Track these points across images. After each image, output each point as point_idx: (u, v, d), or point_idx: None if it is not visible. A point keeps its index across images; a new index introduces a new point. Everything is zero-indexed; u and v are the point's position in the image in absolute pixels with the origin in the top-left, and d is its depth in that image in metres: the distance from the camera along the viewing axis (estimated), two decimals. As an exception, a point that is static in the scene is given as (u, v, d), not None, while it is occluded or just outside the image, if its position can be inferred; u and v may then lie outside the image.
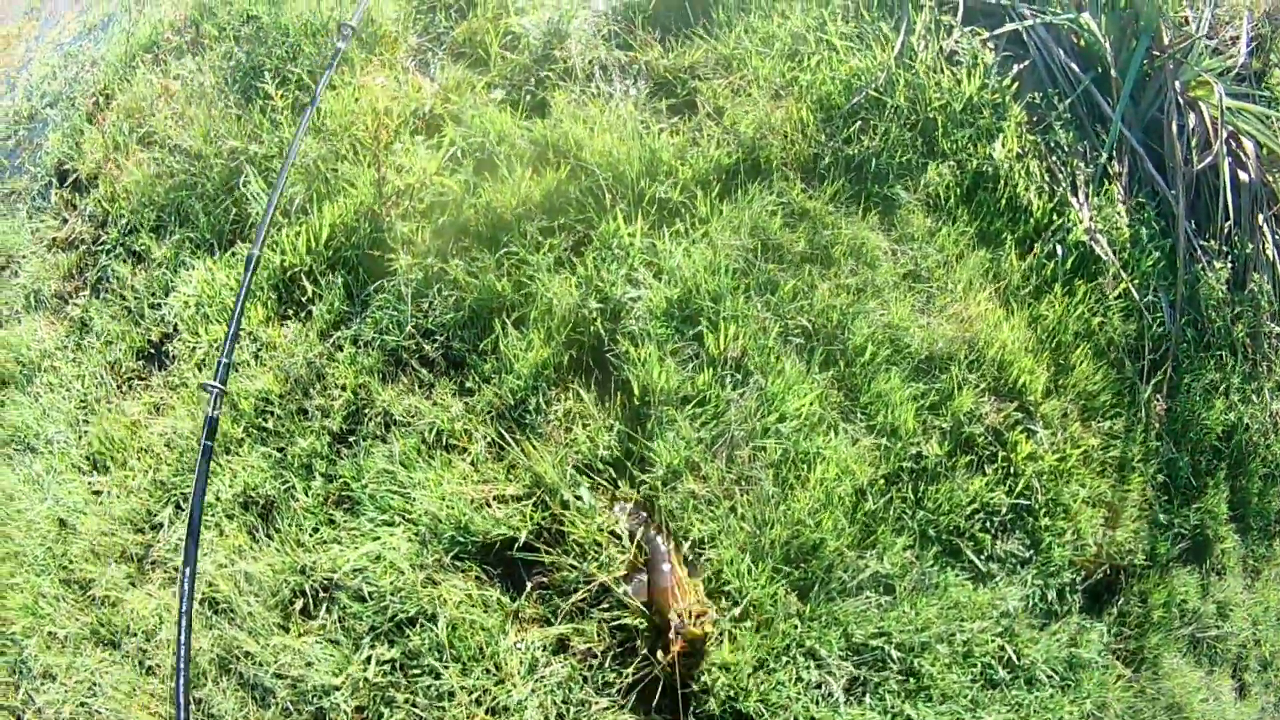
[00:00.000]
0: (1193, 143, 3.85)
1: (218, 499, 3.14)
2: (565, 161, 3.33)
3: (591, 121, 3.43)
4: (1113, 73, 3.99)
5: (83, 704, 3.44)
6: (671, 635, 2.71)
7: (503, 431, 2.92)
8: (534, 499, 2.89)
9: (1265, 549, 4.27)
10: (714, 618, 2.74)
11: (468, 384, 3.03)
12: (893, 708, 2.95)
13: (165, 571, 3.28)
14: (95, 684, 3.41)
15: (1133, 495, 3.64)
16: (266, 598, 3.04)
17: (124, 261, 3.74)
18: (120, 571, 3.36)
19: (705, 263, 3.15)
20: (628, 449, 2.95)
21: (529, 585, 2.90)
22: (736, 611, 2.85)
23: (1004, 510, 3.33)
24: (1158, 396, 3.80)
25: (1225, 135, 3.79)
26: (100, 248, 3.85)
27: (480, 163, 3.28)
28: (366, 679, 2.92)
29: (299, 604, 3.03)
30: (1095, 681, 3.34)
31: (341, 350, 3.11)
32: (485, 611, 2.86)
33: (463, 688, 2.84)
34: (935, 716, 3.01)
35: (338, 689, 2.95)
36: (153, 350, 3.54)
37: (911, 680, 3.00)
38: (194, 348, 3.34)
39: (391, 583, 2.87)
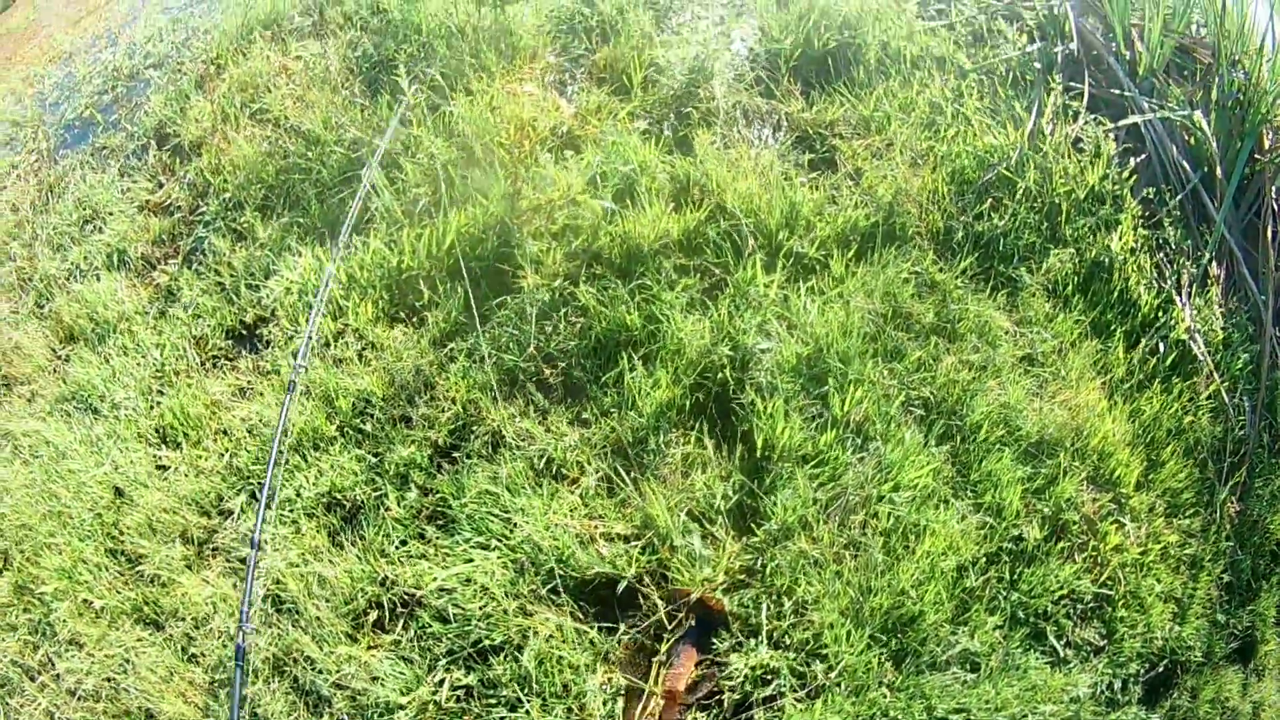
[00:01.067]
0: (1285, 249, 4.06)
1: (299, 495, 3.10)
2: (706, 201, 3.35)
3: (735, 165, 3.47)
4: (1218, 172, 4.16)
5: (109, 679, 3.35)
6: None
7: (618, 468, 2.89)
8: (643, 541, 2.85)
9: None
10: None
11: (585, 415, 3.04)
12: None
13: (228, 561, 3.20)
14: (129, 661, 3.30)
15: (1199, 594, 3.74)
16: (338, 604, 2.99)
17: (224, 236, 3.74)
18: (178, 552, 3.30)
19: (838, 322, 3.18)
20: (743, 501, 2.92)
21: (623, 627, 2.84)
22: (833, 675, 2.81)
23: (1088, 598, 3.41)
24: (1232, 499, 3.90)
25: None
26: (198, 218, 3.85)
27: (620, 190, 3.29)
28: (436, 702, 2.88)
29: (373, 616, 2.99)
30: None
31: (454, 362, 3.08)
32: (576, 649, 2.81)
33: None
34: None
35: (403, 708, 2.90)
36: (244, 331, 3.53)
37: None
38: (290, 336, 3.30)
39: (480, 607, 2.85)
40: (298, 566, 3.08)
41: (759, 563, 2.94)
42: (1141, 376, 3.77)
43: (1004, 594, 3.22)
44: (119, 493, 3.54)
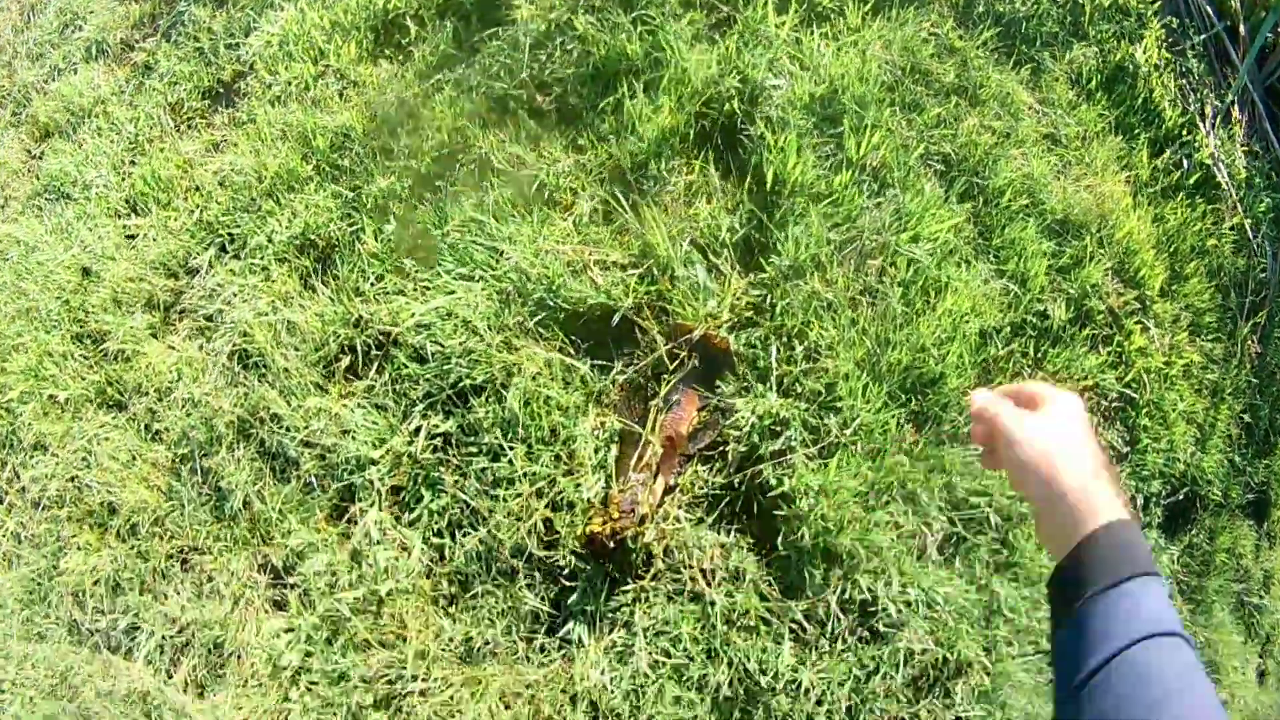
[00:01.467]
0: (1309, 119, 4.19)
1: (270, 240, 2.84)
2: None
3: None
4: (1241, 30, 4.09)
5: (73, 478, 3.09)
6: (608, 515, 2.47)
7: (616, 194, 2.60)
8: (640, 270, 2.55)
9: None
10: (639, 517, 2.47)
11: (580, 141, 2.75)
12: (980, 577, 2.71)
13: (193, 321, 2.97)
14: (90, 452, 3.05)
15: (1220, 425, 3.65)
16: (308, 352, 2.72)
17: (202, 5, 3.52)
18: (143, 321, 3.07)
19: (854, 68, 2.86)
20: (749, 235, 2.62)
21: (618, 365, 2.54)
22: (848, 432, 2.49)
23: (1112, 396, 3.23)
24: (1253, 338, 3.88)
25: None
26: (178, -6, 3.60)
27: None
28: (411, 454, 2.59)
29: (345, 362, 2.72)
30: None
31: (441, 92, 2.81)
32: (565, 388, 2.52)
33: (525, 475, 2.48)
34: (1019, 599, 2.74)
35: (375, 463, 2.63)
36: (221, 90, 3.30)
37: (1004, 552, 2.77)
38: (269, 84, 3.06)
39: (461, 343, 2.55)
40: (265, 315, 2.81)
41: (768, 300, 2.61)
42: (1166, 184, 3.66)
43: (1029, 370, 3.01)
44: (86, 273, 3.30)
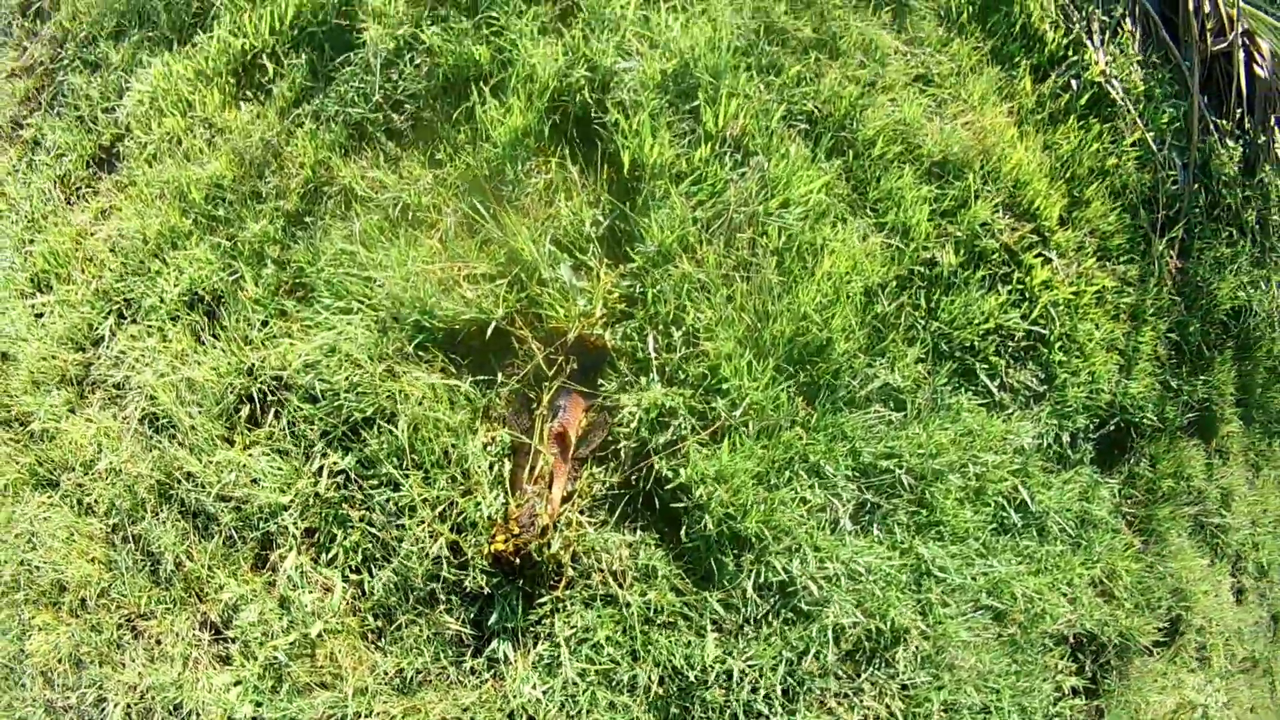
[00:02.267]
0: (1208, 25, 4.05)
1: (162, 301, 2.89)
2: (549, -77, 3.04)
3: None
4: None
5: (22, 561, 3.20)
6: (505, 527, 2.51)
7: (477, 204, 2.60)
8: (509, 278, 2.57)
9: (1266, 446, 4.39)
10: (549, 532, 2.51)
11: (438, 155, 2.74)
12: (902, 542, 2.73)
13: (105, 391, 3.05)
14: (34, 534, 3.16)
15: (1145, 348, 3.64)
16: (210, 407, 2.78)
17: (80, 72, 3.60)
18: (60, 398, 3.13)
19: (705, 38, 2.82)
20: (614, 227, 2.62)
21: (500, 376, 2.56)
22: (737, 414, 2.49)
23: (1019, 336, 3.19)
24: (1170, 253, 3.84)
25: (1241, 30, 4.03)
26: (58, 65, 3.68)
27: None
28: (318, 494, 2.65)
29: (245, 411, 2.78)
30: (1105, 544, 3.24)
31: (301, 127, 2.83)
32: (452, 408, 2.57)
33: (425, 500, 2.54)
34: (947, 558, 2.76)
35: (286, 508, 2.69)
36: (104, 156, 3.36)
37: (923, 512, 2.79)
38: (145, 144, 3.11)
39: (347, 378, 2.60)
40: (166, 376, 2.89)
41: (639, 290, 2.60)
42: (1053, 109, 3.60)
43: (922, 323, 2.97)
44: (5, 357, 3.42)
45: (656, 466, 2.52)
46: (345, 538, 2.64)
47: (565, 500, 2.56)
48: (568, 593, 2.53)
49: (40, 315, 3.25)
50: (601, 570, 2.55)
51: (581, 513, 2.57)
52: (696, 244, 2.61)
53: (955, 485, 2.85)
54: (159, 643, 2.98)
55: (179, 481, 2.86)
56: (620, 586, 2.53)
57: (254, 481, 2.71)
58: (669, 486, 2.53)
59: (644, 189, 2.62)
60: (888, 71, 3.20)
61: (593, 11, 2.84)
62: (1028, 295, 3.22)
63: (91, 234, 3.16)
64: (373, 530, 2.59)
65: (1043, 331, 3.21)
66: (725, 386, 2.56)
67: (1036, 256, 3.27)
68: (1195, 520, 3.78)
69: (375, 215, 2.68)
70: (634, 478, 2.58)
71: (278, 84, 2.97)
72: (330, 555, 2.67)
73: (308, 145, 2.80)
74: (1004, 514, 3.01)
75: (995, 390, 3.13)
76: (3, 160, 3.66)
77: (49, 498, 3.19)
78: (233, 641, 2.82)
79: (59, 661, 3.08)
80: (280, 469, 2.68)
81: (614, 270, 2.61)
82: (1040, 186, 3.32)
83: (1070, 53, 3.68)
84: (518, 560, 2.48)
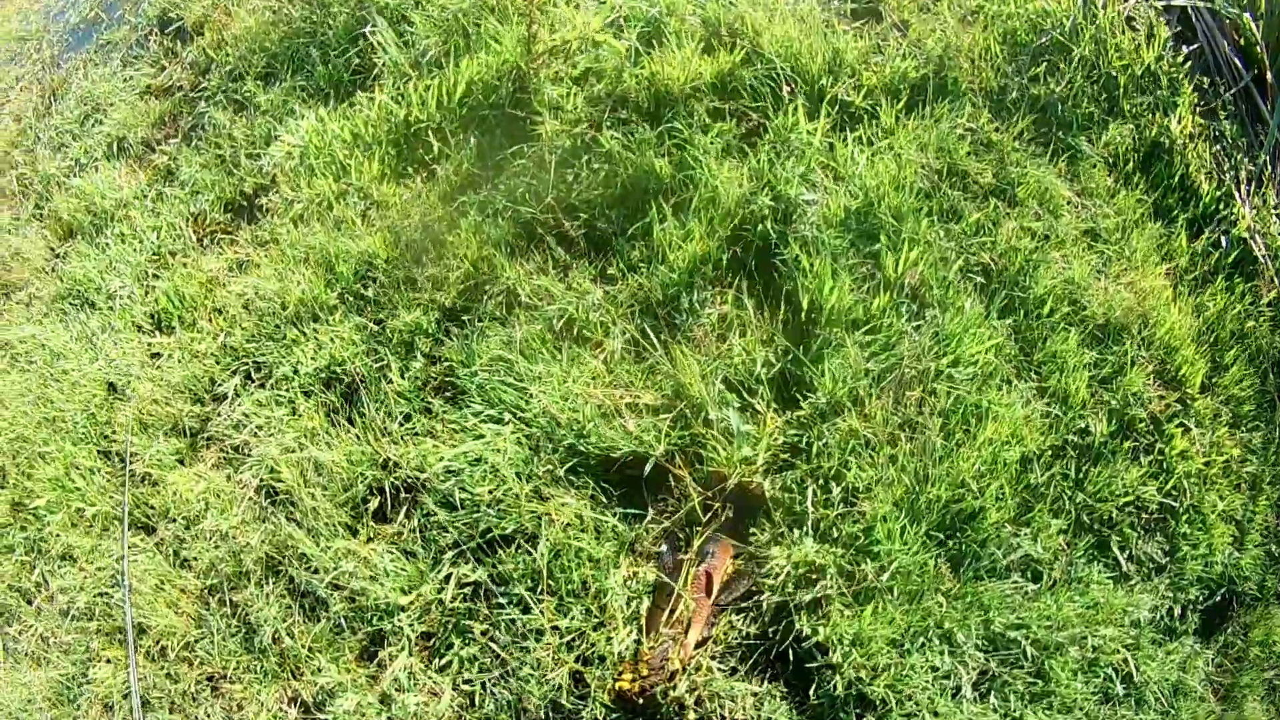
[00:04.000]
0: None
1: (296, 372, 2.86)
2: (740, 45, 3.02)
3: (771, 9, 3.13)
4: (1268, 77, 3.96)
5: (102, 594, 3.17)
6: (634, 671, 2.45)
7: (647, 329, 2.58)
8: (673, 414, 2.53)
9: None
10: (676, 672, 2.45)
11: (610, 270, 2.71)
12: (1014, 711, 2.64)
13: (221, 451, 3.00)
14: (120, 573, 3.14)
15: (1258, 519, 3.49)
16: (336, 492, 2.74)
17: (224, 109, 3.55)
18: (169, 447, 3.08)
19: (889, 175, 2.81)
20: (786, 370, 2.59)
21: (650, 514, 2.54)
22: (884, 577, 2.46)
23: (1152, 508, 3.09)
24: None
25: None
26: (199, 94, 3.67)
27: (646, 34, 2.98)
28: (441, 601, 2.60)
29: (373, 504, 2.72)
30: (1191, 713, 3.14)
31: (465, 217, 2.80)
32: (597, 539, 2.52)
33: (555, 627, 2.48)
34: None
35: (404, 610, 2.63)
36: (244, 203, 3.32)
37: (1039, 683, 2.70)
38: (292, 202, 3.08)
39: (490, 491, 2.54)
40: (293, 452, 2.86)
41: (804, 441, 2.56)
42: (1205, 269, 3.51)
43: (1069, 494, 2.89)
44: (112, 388, 3.36)
45: (798, 624, 2.49)
46: (463, 648, 2.59)
47: (700, 645, 2.52)
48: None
49: (157, 355, 3.22)
50: (724, 718, 2.52)
51: (713, 658, 2.54)
52: (866, 397, 2.59)
53: (1073, 657, 2.78)
54: (240, 706, 2.95)
55: (290, 561, 2.83)
56: (741, 741, 2.50)
57: (373, 578, 2.68)
58: (806, 643, 2.50)
59: (819, 334, 2.60)
60: (1060, 225, 3.14)
61: (779, 135, 2.81)
62: (1166, 466, 3.16)
63: (224, 284, 3.13)
64: (494, 647, 2.56)
65: (1174, 504, 3.17)
66: (877, 549, 2.53)
67: (1177, 426, 3.23)
68: (1269, 684, 3.74)
69: (538, 325, 2.65)
70: (771, 630, 2.56)
71: (443, 165, 2.95)
72: (444, 662, 2.62)
73: (472, 238, 2.77)
74: (1110, 685, 3.00)
75: (1124, 563, 3.10)
76: (131, 180, 3.63)
77: (141, 540, 3.15)
78: None
79: (124, 697, 3.05)
80: (404, 570, 2.64)
81: (781, 416, 2.59)
82: (1189, 353, 3.22)
83: (1221, 206, 3.62)
84: (641, 701, 2.46)
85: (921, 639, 2.59)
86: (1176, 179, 3.62)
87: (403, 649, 2.66)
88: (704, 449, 2.52)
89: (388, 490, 2.68)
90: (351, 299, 2.86)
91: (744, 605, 2.57)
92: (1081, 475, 2.95)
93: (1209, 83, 3.94)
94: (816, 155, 2.81)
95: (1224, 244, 3.62)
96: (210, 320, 3.11)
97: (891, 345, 2.66)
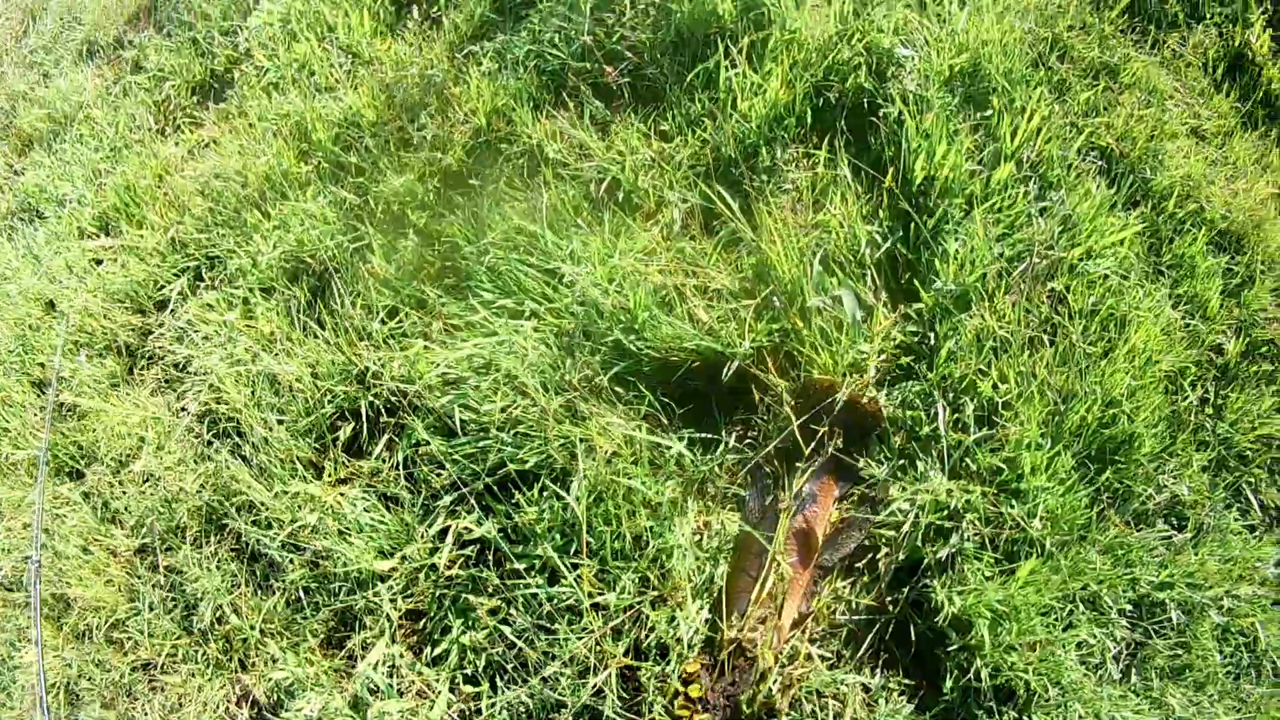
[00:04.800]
0: None
1: (254, 263, 1.70)
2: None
3: None
4: None
5: (25, 556, 1.95)
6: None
7: (721, 192, 1.45)
8: (759, 300, 1.39)
9: None
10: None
11: (664, 126, 1.59)
12: (1155, 690, 1.65)
13: (161, 371, 1.83)
14: (48, 530, 1.93)
15: None
16: (296, 417, 1.61)
17: (202, -12, 2.37)
18: (104, 370, 1.92)
19: (995, 34, 1.72)
20: (894, 252, 1.49)
21: (729, 439, 1.40)
22: (1036, 524, 1.35)
23: (1274, 446, 1.99)
24: None
25: None
26: (177, -18, 2.49)
27: None
28: (434, 568, 1.47)
29: (344, 432, 1.58)
30: None
31: (478, 65, 1.66)
32: (655, 478, 1.37)
33: (596, 605, 1.34)
34: (1190, 706, 1.68)
35: (383, 580, 1.47)
36: (213, 84, 2.20)
37: (1180, 654, 1.69)
38: (265, 71, 1.93)
39: (504, 410, 1.40)
40: (242, 365, 1.70)
41: (927, 343, 1.51)
42: None
43: (1210, 423, 1.87)
44: (51, 306, 2.22)
45: (931, 589, 1.35)
46: (464, 633, 1.45)
47: (796, 625, 1.38)
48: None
49: (99, 262, 2.04)
50: None
51: (812, 641, 1.40)
52: (996, 289, 1.47)
53: (1214, 622, 1.78)
54: (180, 704, 1.77)
55: (237, 510, 1.65)
56: (851, 753, 1.37)
57: (342, 535, 1.50)
58: (938, 618, 1.37)
59: (935, 208, 1.48)
60: (1169, 116, 2.14)
61: (867, -24, 1.72)
62: None
63: (179, 171, 1.97)
64: (507, 632, 1.40)
65: None
66: (1024, 487, 1.41)
67: None
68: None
69: (571, 189, 1.52)
70: (890, 602, 1.41)
71: (450, 14, 1.82)
72: (437, 652, 1.48)
73: (485, 89, 1.65)
74: (1240, 654, 1.93)
75: (1256, 509, 2.01)
76: (97, 81, 2.49)
77: (70, 489, 1.97)
78: None
79: (52, 685, 1.86)
80: (383, 523, 1.49)
81: (893, 311, 1.46)
82: None
83: None
84: (717, 713, 1.31)
85: (1070, 606, 1.48)
86: (1261, 93, 2.59)
87: (381, 633, 1.48)
88: (800, 350, 1.39)
89: (364, 413, 1.55)
90: (328, 168, 1.71)
91: (854, 566, 1.43)
92: (1220, 401, 1.95)
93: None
94: (906, 4, 1.71)
95: None
96: (161, 215, 1.93)
97: (1017, 226, 1.56)
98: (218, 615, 1.79)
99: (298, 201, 1.78)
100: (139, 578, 1.94)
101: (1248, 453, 2.08)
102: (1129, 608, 1.76)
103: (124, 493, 1.95)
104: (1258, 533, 2.15)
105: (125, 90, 2.42)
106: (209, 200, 1.93)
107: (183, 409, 1.87)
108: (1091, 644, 1.66)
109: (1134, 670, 1.84)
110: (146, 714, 1.91)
